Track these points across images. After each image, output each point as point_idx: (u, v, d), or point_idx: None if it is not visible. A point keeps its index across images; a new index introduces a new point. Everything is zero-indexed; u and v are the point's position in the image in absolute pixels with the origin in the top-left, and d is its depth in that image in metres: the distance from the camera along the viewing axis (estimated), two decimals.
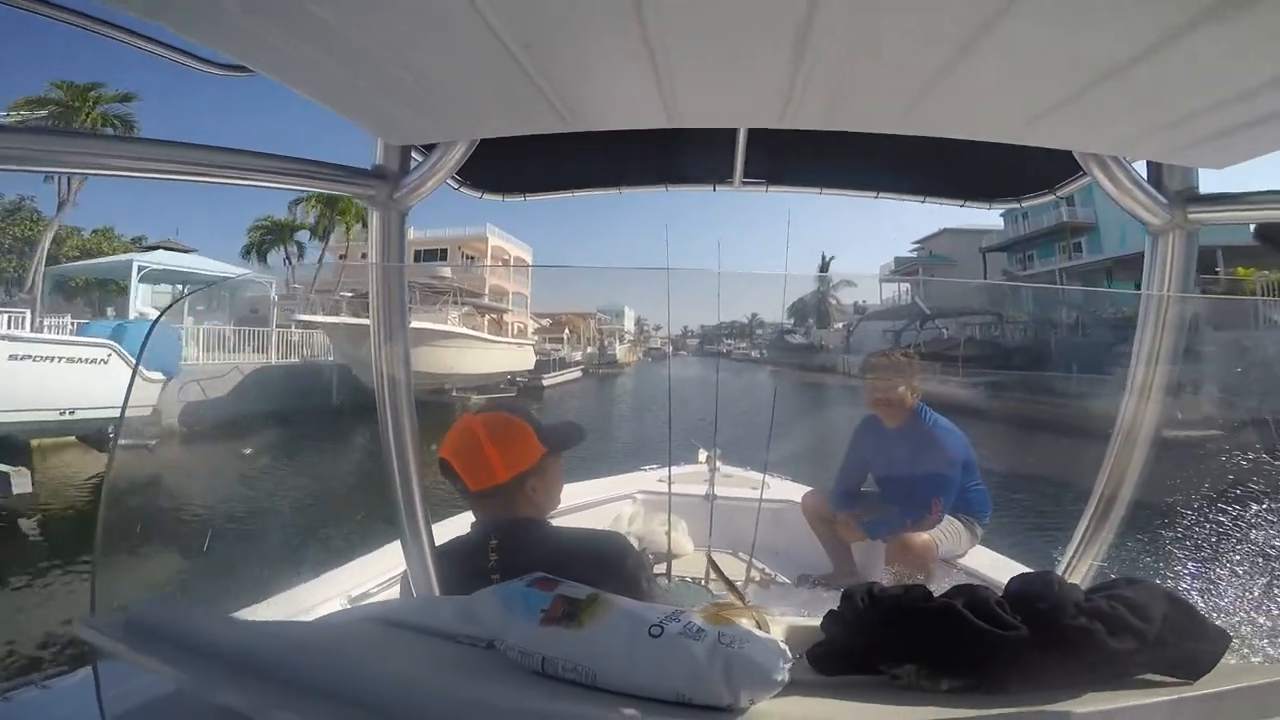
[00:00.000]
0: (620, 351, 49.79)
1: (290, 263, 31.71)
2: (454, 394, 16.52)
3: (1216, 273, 20.20)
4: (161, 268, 18.25)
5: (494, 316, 28.75)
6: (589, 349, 43.98)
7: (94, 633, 0.76)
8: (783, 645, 0.72)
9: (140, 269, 17.59)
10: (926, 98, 0.81)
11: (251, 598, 1.63)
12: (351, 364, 13.45)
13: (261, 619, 1.35)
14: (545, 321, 44.45)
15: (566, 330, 44.50)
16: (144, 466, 8.64)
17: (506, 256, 42.84)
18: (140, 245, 24.06)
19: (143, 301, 18.53)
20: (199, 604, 0.83)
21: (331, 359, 17.14)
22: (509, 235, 42.21)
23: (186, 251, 21.54)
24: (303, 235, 31.39)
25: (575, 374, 31.59)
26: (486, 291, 36.07)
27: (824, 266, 60.41)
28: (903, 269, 49.03)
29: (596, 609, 0.73)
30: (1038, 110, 0.83)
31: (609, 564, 1.17)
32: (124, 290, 18.33)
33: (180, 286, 19.73)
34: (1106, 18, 0.60)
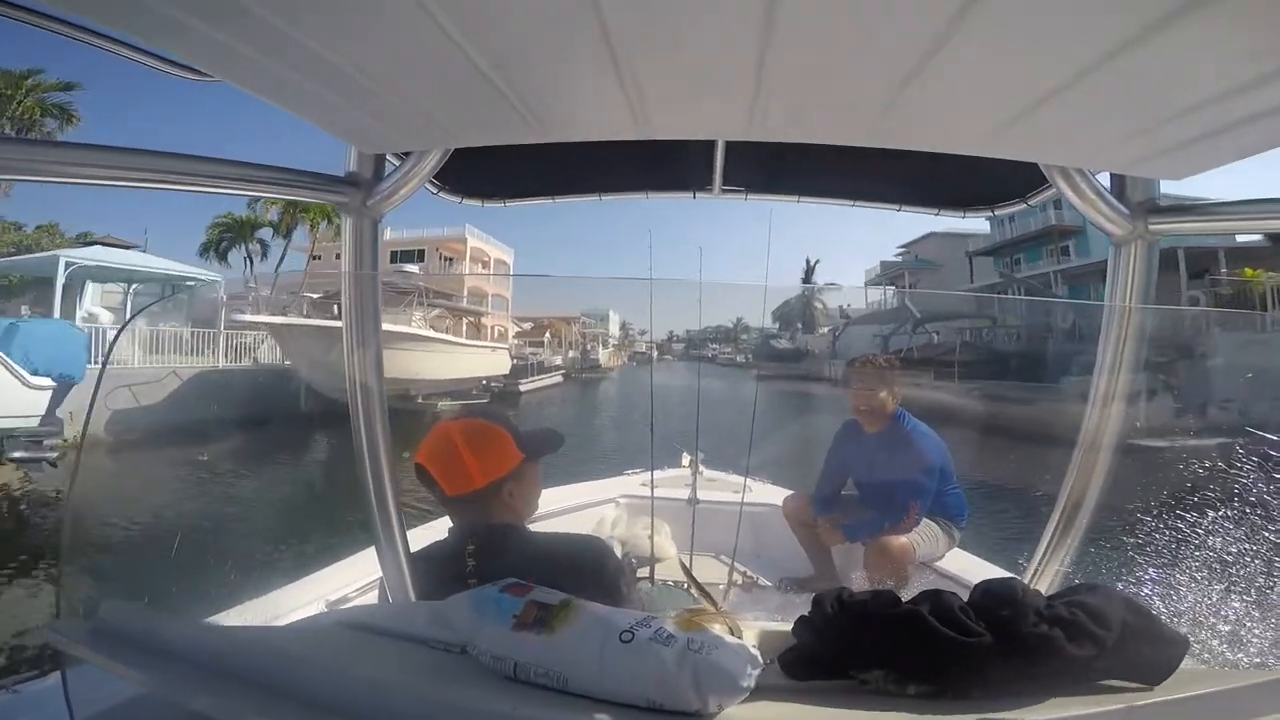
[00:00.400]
0: (603, 356, 49.10)
1: (250, 262, 30.66)
2: (420, 400, 16.04)
3: (1220, 274, 19.93)
4: (94, 264, 16.83)
5: (472, 319, 27.84)
6: (571, 353, 43.12)
7: (61, 638, 0.76)
8: (753, 651, 0.73)
9: (68, 265, 15.89)
10: (889, 111, 0.83)
11: (228, 602, 1.61)
12: (300, 367, 13.02)
13: (235, 624, 1.34)
14: (527, 325, 43.43)
15: (548, 334, 43.61)
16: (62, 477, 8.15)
17: (486, 258, 41.90)
18: (82, 241, 22.23)
19: (91, 301, 17.57)
20: (168, 609, 0.82)
21: (288, 363, 15.91)
22: (489, 236, 41.35)
23: (126, 248, 20.35)
24: (266, 233, 30.36)
25: (555, 379, 30.97)
26: (465, 293, 35.17)
27: (809, 271, 60.42)
28: (888, 274, 48.09)
29: (568, 614, 0.73)
30: (998, 123, 0.85)
31: (587, 569, 1.17)
32: (72, 288, 16.59)
33: (132, 286, 18.82)
34: (1058, 31, 0.62)
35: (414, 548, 1.25)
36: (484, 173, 1.60)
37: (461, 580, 1.10)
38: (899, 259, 48.33)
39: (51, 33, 0.83)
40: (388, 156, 1.19)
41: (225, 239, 29.72)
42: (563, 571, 1.08)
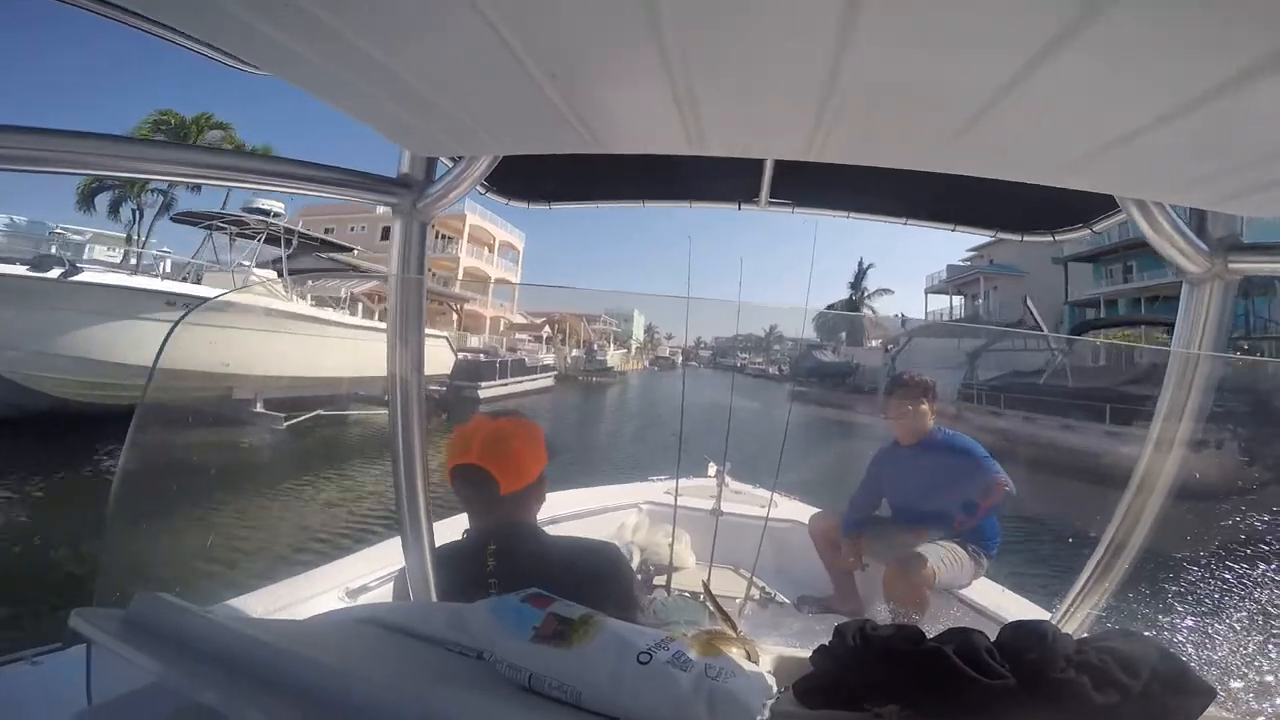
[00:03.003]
0: (613, 357, 43.01)
1: (139, 216, 25.69)
2: (258, 409, 11.55)
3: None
4: None
5: (439, 305, 23.32)
6: (574, 352, 38.39)
7: (87, 625, 0.78)
8: (769, 680, 0.73)
9: None
10: (959, 139, 0.80)
11: (249, 587, 1.65)
12: None
13: (256, 616, 1.37)
14: (539, 319, 39.85)
15: (546, 328, 39.16)
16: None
17: (490, 239, 37.88)
18: None
19: None
20: (195, 599, 0.84)
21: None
22: (494, 215, 36.80)
23: None
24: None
25: (543, 381, 25.30)
26: (460, 276, 32.03)
27: (860, 276, 53.24)
28: (956, 280, 40.51)
29: (587, 630, 0.74)
30: (1074, 157, 0.81)
31: (603, 574, 1.19)
32: None
33: None
34: (1154, 65, 0.59)
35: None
36: (531, 175, 1.62)
37: (481, 582, 1.12)
38: (967, 263, 41.18)
39: (123, 24, 0.87)
40: (438, 162, 1.22)
41: (113, 190, 24.89)
42: (580, 576, 1.09)
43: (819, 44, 0.61)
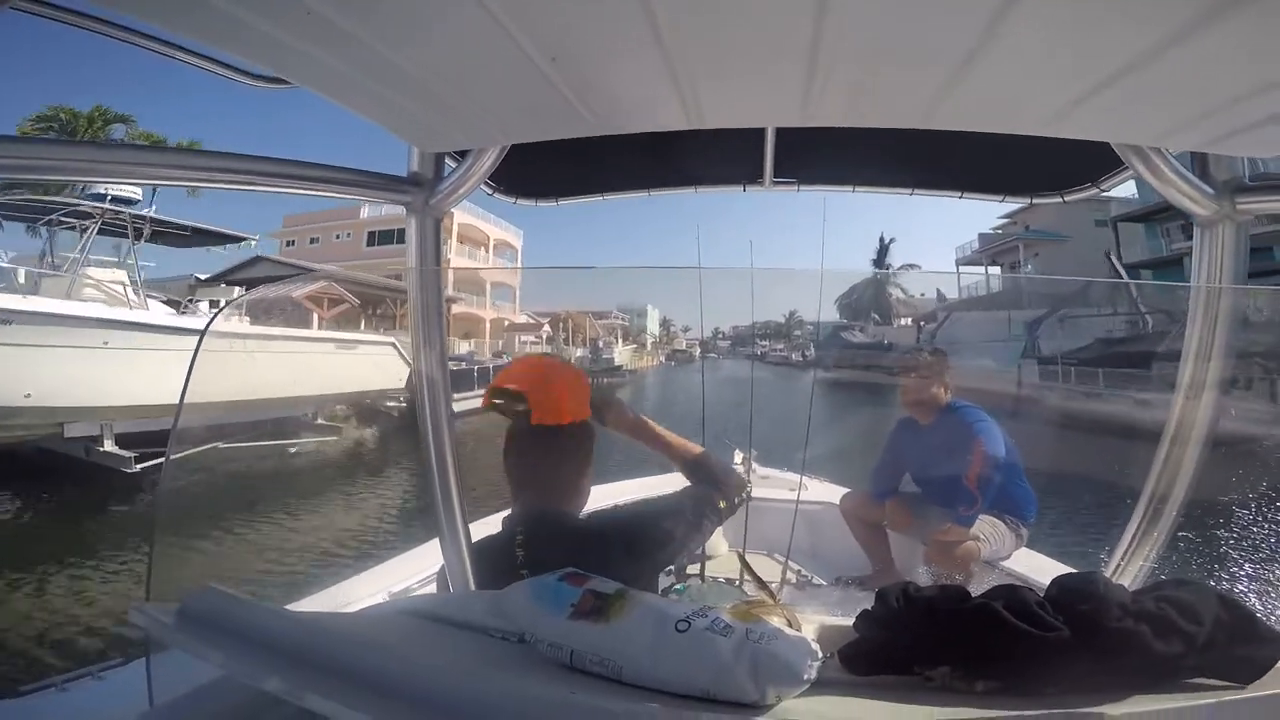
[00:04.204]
0: (622, 353, 39.33)
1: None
2: (105, 449, 9.21)
3: None
4: None
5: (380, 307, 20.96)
6: (578, 351, 34.18)
7: (146, 618, 0.80)
8: (813, 644, 0.72)
9: None
10: (949, 93, 0.81)
11: (297, 593, 1.68)
12: None
13: (305, 610, 1.41)
14: (545, 320, 36.70)
15: (547, 328, 36.07)
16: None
17: (485, 239, 35.96)
18: None
19: None
20: (248, 595, 0.87)
21: None
22: (486, 214, 34.71)
23: None
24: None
25: None
26: (450, 280, 28.90)
27: (882, 251, 50.53)
28: (990, 249, 36.76)
29: (624, 604, 0.74)
30: (1065, 102, 0.81)
31: (634, 535, 1.16)
32: None
33: None
34: (1121, 9, 0.59)
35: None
36: (536, 172, 1.63)
37: (513, 572, 1.11)
38: (999, 230, 37.50)
39: (134, 45, 0.90)
40: (446, 160, 1.23)
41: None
42: (609, 544, 1.09)
43: (800, 7, 0.62)
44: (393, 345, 14.82)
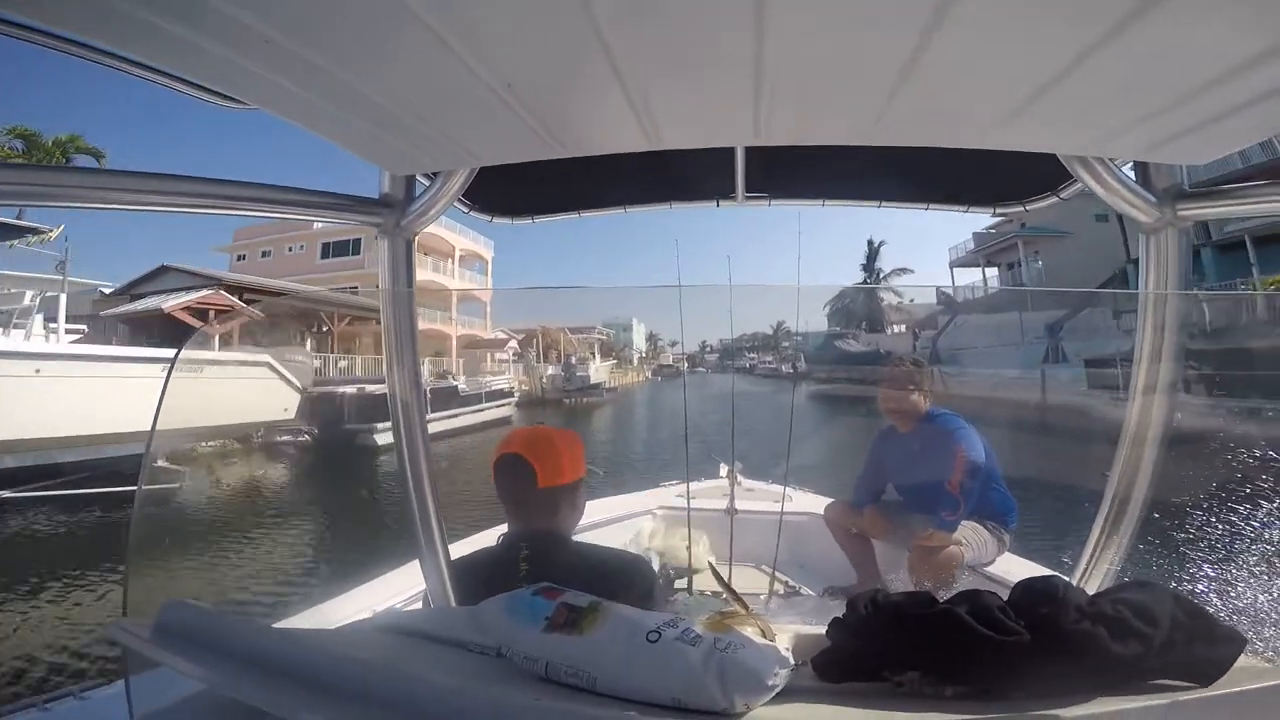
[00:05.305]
0: (599, 370, 35.39)
1: None
2: None
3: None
4: None
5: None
6: (549, 369, 31.90)
7: (125, 634, 0.80)
8: (783, 651, 0.73)
9: None
10: (891, 108, 0.84)
11: (279, 613, 1.67)
12: None
13: (285, 626, 1.39)
14: (514, 336, 34.30)
15: (514, 344, 33.24)
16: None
17: (448, 249, 32.72)
18: None
19: None
20: (225, 610, 0.86)
21: None
22: (453, 223, 31.00)
23: None
24: None
25: (491, 413, 18.71)
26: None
27: (871, 256, 48.37)
28: (987, 248, 33.88)
29: (597, 616, 0.74)
30: (1001, 114, 0.85)
31: (634, 588, 1.21)
32: None
33: None
34: (1049, 17, 0.62)
35: (457, 559, 1.29)
36: (510, 191, 1.64)
37: (514, 585, 1.13)
38: (992, 230, 33.84)
39: (94, 62, 0.90)
40: (417, 180, 1.24)
41: None
42: (608, 584, 1.11)
43: (740, 27, 0.65)
44: (268, 366, 11.49)
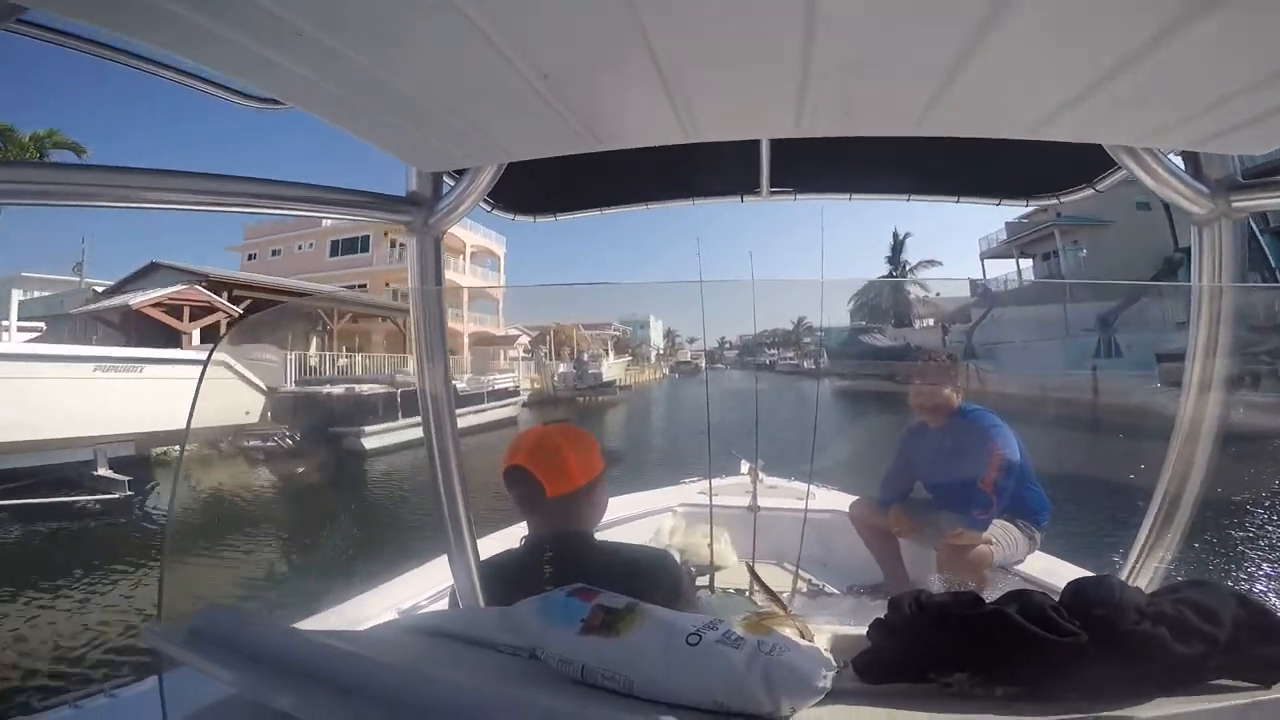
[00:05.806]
0: (612, 368, 34.75)
1: None
2: None
3: None
4: None
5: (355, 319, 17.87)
6: (560, 367, 31.13)
7: (158, 638, 0.81)
8: (826, 653, 0.71)
9: None
10: (939, 100, 0.81)
11: (306, 610, 1.68)
12: None
13: (315, 628, 1.40)
14: (524, 333, 34.05)
15: (524, 340, 32.69)
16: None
17: (459, 245, 31.89)
18: None
19: None
20: (258, 613, 0.87)
21: None
22: (464, 219, 28.74)
23: None
24: None
25: (495, 413, 17.92)
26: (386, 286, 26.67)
27: (897, 248, 46.37)
28: (1020, 238, 32.18)
29: (634, 618, 0.73)
30: (1054, 106, 0.82)
31: (660, 580, 1.20)
32: None
33: None
34: (1108, 9, 0.60)
35: (482, 556, 1.29)
36: (534, 189, 1.64)
37: (538, 588, 1.12)
38: (1029, 220, 31.02)
39: (127, 66, 0.91)
40: (444, 179, 1.24)
41: None
42: (637, 583, 1.10)
43: (790, 19, 0.63)
44: (226, 365, 9.07)
